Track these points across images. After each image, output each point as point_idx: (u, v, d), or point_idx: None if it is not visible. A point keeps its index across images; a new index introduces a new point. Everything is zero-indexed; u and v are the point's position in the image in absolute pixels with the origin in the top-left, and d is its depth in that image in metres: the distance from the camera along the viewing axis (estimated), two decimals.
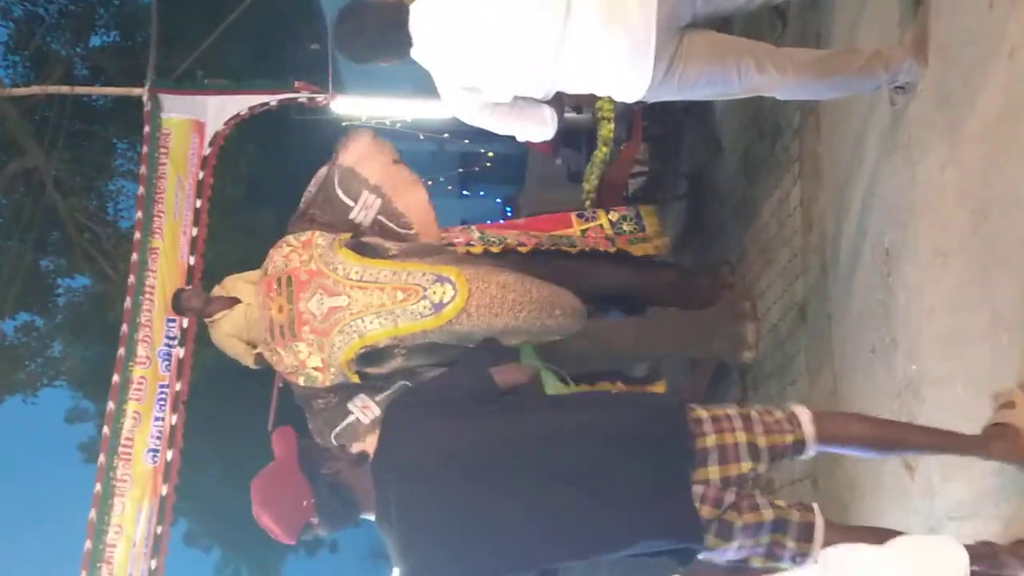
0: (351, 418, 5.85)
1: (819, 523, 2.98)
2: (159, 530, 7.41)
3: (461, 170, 26.06)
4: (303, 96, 8.30)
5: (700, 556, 2.99)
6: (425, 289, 5.46)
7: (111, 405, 7.42)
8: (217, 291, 6.63)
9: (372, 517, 3.08)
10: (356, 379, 5.69)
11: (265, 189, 15.55)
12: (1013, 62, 2.98)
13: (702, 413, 3.06)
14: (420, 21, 3.59)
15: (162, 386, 7.57)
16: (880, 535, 2.81)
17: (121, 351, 7.49)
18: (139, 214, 7.83)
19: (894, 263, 3.86)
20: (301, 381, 5.79)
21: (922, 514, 3.51)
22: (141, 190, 7.88)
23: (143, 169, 7.94)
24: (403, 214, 5.99)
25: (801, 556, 2.94)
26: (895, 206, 3.83)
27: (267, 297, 5.84)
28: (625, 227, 6.64)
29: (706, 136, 7.32)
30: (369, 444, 5.88)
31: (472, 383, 3.19)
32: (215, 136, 8.10)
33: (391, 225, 5.98)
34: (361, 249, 5.72)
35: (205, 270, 7.77)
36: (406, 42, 3.62)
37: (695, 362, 7.19)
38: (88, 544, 7.11)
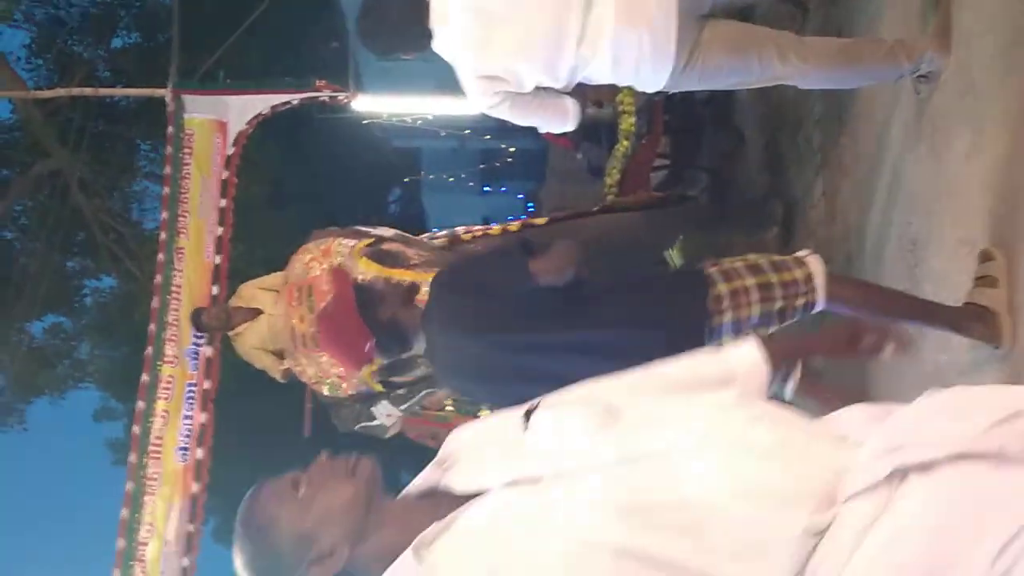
0: (376, 423, 5.90)
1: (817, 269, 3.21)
2: (191, 528, 7.46)
3: (482, 166, 26.03)
4: (325, 95, 8.32)
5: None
6: None
7: (140, 404, 7.48)
8: (235, 302, 6.63)
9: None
10: (380, 388, 5.72)
11: (289, 188, 15.60)
12: None
13: (722, 289, 3.15)
14: (440, 13, 3.58)
15: (190, 385, 7.62)
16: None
17: (149, 350, 7.55)
18: (164, 214, 7.89)
19: (920, 253, 3.85)
20: (326, 391, 5.83)
21: None
22: (166, 190, 7.94)
23: (167, 169, 7.99)
24: (419, 242, 5.94)
25: (810, 304, 3.19)
26: (920, 196, 3.82)
27: (289, 306, 5.84)
28: None
29: (727, 129, 7.31)
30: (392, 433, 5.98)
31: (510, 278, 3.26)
32: (238, 136, 8.13)
33: (411, 239, 5.96)
34: (381, 258, 5.66)
35: (231, 269, 7.80)
36: (427, 34, 3.62)
37: None
38: (121, 542, 7.17)
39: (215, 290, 7.78)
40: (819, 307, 3.23)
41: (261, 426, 19.11)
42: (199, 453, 7.54)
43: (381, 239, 5.88)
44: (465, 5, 3.55)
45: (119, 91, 10.68)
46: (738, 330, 3.16)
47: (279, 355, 6.31)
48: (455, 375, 3.42)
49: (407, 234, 5.97)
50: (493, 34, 3.54)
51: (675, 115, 7.16)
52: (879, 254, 4.39)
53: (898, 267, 4.08)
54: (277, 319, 6.17)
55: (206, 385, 7.68)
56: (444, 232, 6.19)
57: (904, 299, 3.52)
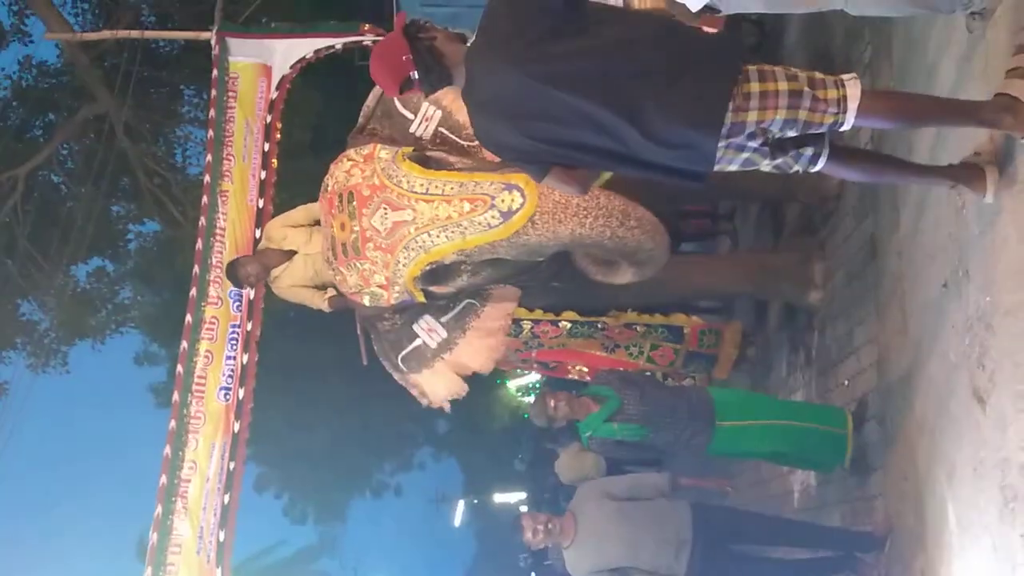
0: (417, 342, 5.79)
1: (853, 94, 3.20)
2: (232, 466, 7.55)
3: None
4: (368, 39, 8.29)
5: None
6: (493, 198, 5.24)
7: (184, 344, 7.55)
8: (266, 244, 6.60)
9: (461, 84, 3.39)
10: (422, 297, 5.60)
11: (331, 135, 15.61)
12: None
13: (753, 87, 3.13)
14: None
15: (233, 326, 7.68)
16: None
17: (193, 292, 7.62)
18: (208, 157, 7.94)
19: (967, 193, 3.80)
20: (366, 300, 5.69)
21: (992, 445, 3.49)
22: (210, 133, 7.98)
23: (212, 113, 8.02)
24: (465, 126, 5.70)
25: (838, 124, 3.19)
26: (970, 136, 3.76)
27: (328, 214, 5.70)
28: None
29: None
30: (438, 368, 5.89)
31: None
32: (282, 80, 8.14)
33: (453, 137, 5.77)
34: (425, 162, 5.52)
35: (273, 213, 7.81)
36: None
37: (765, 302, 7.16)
38: (163, 479, 7.27)
39: (258, 233, 7.82)
40: (847, 127, 3.25)
41: (300, 375, 19.32)
42: (241, 393, 7.62)
43: (423, 145, 5.76)
44: None
45: (165, 34, 10.73)
46: (757, 133, 3.17)
47: (320, 288, 6.29)
48: (488, 111, 3.39)
49: (451, 134, 5.79)
50: None
51: None
52: (926, 197, 4.35)
53: (945, 209, 4.04)
54: (314, 257, 6.12)
55: (249, 326, 7.74)
56: None
57: (934, 103, 3.55)
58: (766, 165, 3.29)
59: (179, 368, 7.60)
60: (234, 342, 7.67)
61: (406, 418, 28.58)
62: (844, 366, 5.76)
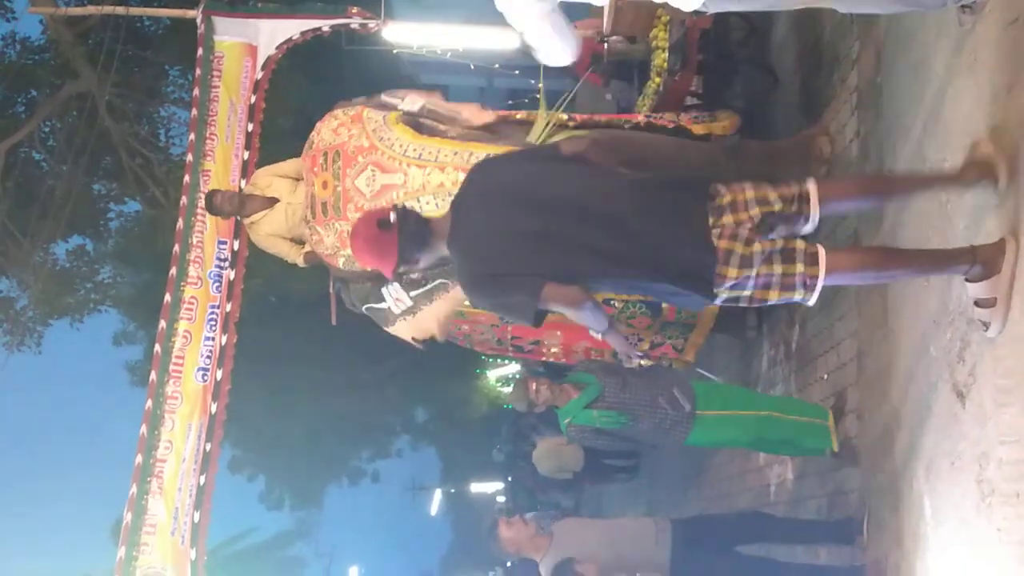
0: (383, 304, 5.72)
1: (822, 251, 3.31)
2: (208, 447, 7.53)
3: (510, 103, 25.84)
4: (355, 21, 8.25)
5: (721, 294, 3.34)
6: None
7: (162, 324, 7.51)
8: (250, 190, 6.56)
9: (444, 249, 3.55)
10: None
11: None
12: None
13: (724, 199, 3.41)
14: None
15: (212, 307, 7.65)
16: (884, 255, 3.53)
17: (173, 271, 7.58)
18: (191, 136, 7.89)
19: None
20: (341, 263, 5.63)
21: (971, 439, 3.49)
22: (194, 112, 7.92)
23: (196, 91, 7.97)
24: (450, 107, 5.69)
25: (811, 279, 3.28)
26: (959, 130, 3.76)
27: (311, 172, 5.63)
28: (693, 114, 6.47)
29: (762, 68, 7.21)
30: (399, 328, 5.82)
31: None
32: (267, 60, 8.11)
33: (440, 111, 5.68)
34: (418, 127, 5.45)
35: None
36: None
37: None
38: (139, 458, 7.24)
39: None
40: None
41: (277, 358, 19.26)
42: (219, 374, 7.59)
43: (411, 113, 5.72)
44: None
45: (151, 11, 10.59)
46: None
47: (298, 242, 6.21)
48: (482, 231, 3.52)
49: (436, 107, 5.70)
50: None
51: (709, 53, 7.06)
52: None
53: (929, 204, 4.04)
54: (295, 207, 6.04)
55: (228, 307, 7.71)
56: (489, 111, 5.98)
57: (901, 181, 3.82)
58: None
59: (156, 348, 7.56)
60: (213, 323, 7.64)
61: (385, 406, 28.58)
62: (824, 360, 5.77)
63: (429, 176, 5.25)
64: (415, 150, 5.34)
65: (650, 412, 5.19)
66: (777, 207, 3.40)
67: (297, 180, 6.18)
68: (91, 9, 9.92)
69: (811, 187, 3.43)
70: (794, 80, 6.69)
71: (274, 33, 8.12)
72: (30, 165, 15.31)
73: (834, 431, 5.19)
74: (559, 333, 6.38)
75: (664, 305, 6.44)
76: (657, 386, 5.31)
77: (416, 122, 5.52)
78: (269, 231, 6.30)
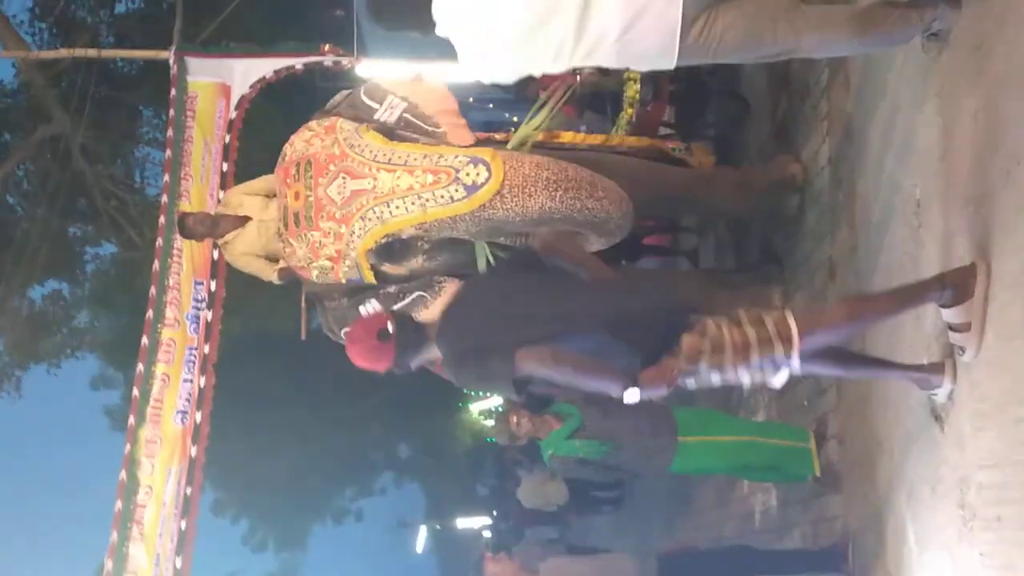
0: None
1: (794, 330, 3.25)
2: (189, 491, 7.46)
3: (485, 136, 25.86)
4: (328, 59, 8.25)
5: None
6: (458, 171, 5.07)
7: (140, 367, 7.47)
8: (221, 209, 6.50)
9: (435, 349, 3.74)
10: (371, 277, 5.42)
11: None
12: None
13: (705, 346, 3.30)
14: (442, 6, 3.52)
15: (190, 348, 7.61)
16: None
17: (150, 314, 7.54)
18: (166, 177, 7.87)
19: (925, 214, 3.83)
20: (314, 275, 5.52)
21: (951, 464, 3.49)
22: (168, 153, 7.91)
23: (170, 132, 7.96)
24: (430, 117, 5.55)
25: (785, 357, 3.27)
26: (927, 156, 3.79)
27: (283, 184, 5.54)
28: (669, 145, 6.44)
29: (733, 97, 7.26)
30: None
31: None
32: (241, 100, 8.10)
33: (418, 123, 5.57)
34: (390, 135, 5.39)
35: None
36: (430, 21, 3.55)
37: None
38: (119, 504, 7.17)
39: (216, 254, 7.75)
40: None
41: (258, 398, 19.16)
42: (198, 416, 7.53)
43: (387, 124, 5.70)
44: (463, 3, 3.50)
45: (123, 52, 10.61)
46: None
47: (272, 260, 6.16)
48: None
49: (416, 120, 5.60)
50: (492, 34, 3.51)
51: (681, 83, 7.11)
52: (883, 217, 4.38)
53: (902, 229, 4.06)
54: (268, 224, 5.98)
55: (206, 349, 7.66)
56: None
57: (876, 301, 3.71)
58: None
59: (135, 391, 7.50)
60: (191, 365, 7.59)
61: (367, 443, 28.44)
62: (804, 386, 5.76)
63: (399, 180, 5.15)
64: (384, 155, 5.25)
65: (632, 439, 5.18)
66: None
67: (269, 197, 6.10)
68: (63, 52, 9.92)
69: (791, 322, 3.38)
70: (765, 108, 6.74)
71: (247, 72, 8.11)
72: (4, 209, 15.25)
73: (816, 455, 5.18)
74: None
75: None
76: (638, 413, 5.28)
77: (388, 129, 5.48)
78: (243, 250, 6.25)
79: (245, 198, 6.30)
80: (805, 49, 3.64)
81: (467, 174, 5.05)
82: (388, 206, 5.16)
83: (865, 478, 4.54)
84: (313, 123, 5.67)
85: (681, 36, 3.39)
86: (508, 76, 3.76)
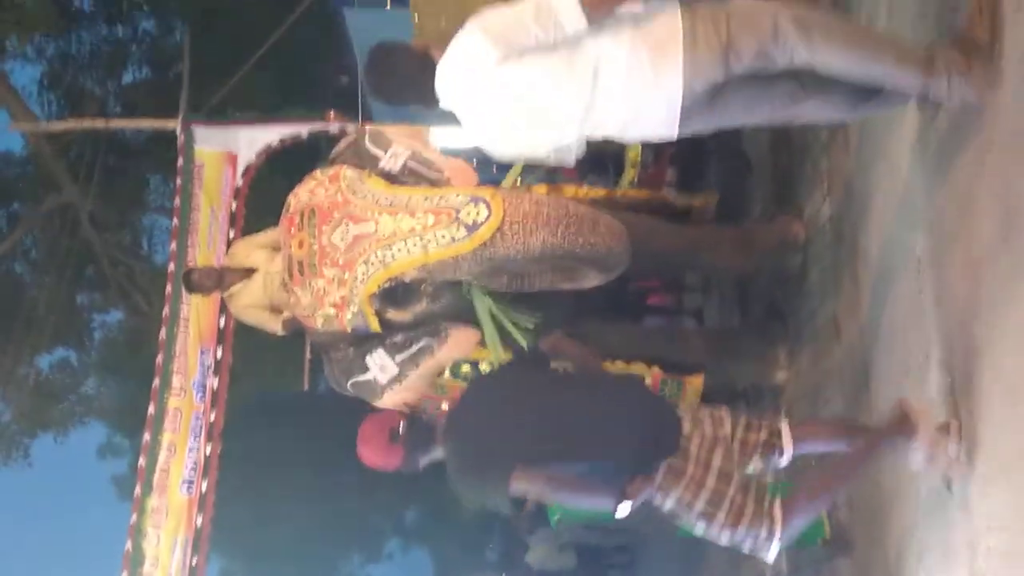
0: (369, 375, 5.59)
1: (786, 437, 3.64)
2: (194, 561, 7.43)
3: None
4: (334, 126, 8.34)
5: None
6: (458, 211, 5.10)
7: (146, 436, 7.47)
8: (228, 261, 6.52)
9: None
10: (376, 324, 5.39)
11: None
12: None
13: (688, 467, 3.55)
14: (446, 84, 3.56)
15: (197, 416, 7.62)
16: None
17: (156, 382, 7.56)
18: (173, 245, 7.92)
19: (926, 275, 3.83)
20: (319, 323, 5.50)
21: (960, 527, 3.46)
22: (175, 221, 7.97)
23: (177, 201, 8.03)
24: (434, 163, 5.62)
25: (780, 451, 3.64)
26: (926, 217, 3.80)
27: (287, 234, 5.57)
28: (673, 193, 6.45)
29: (735, 155, 7.30)
30: (387, 401, 5.62)
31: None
32: (247, 167, 8.17)
33: (422, 170, 5.62)
34: (392, 179, 5.44)
35: None
36: (433, 96, 3.60)
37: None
38: (124, 575, 7.12)
39: (222, 322, 7.79)
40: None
41: (265, 465, 19.06)
42: (204, 485, 7.51)
43: (391, 172, 5.64)
44: (467, 85, 3.50)
45: (131, 122, 10.72)
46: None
47: (277, 311, 6.16)
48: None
49: (420, 166, 5.63)
50: (496, 116, 3.56)
51: (681, 143, 7.14)
52: (886, 276, 4.38)
53: (904, 288, 4.06)
54: (273, 276, 5.99)
55: (212, 416, 7.66)
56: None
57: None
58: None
59: (141, 461, 7.50)
60: (197, 433, 7.60)
61: (374, 508, 28.22)
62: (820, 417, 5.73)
63: (400, 223, 5.18)
64: (386, 199, 5.30)
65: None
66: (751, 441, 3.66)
67: (275, 250, 6.14)
68: (71, 124, 10.04)
69: (784, 426, 3.68)
70: (767, 166, 6.78)
71: (253, 140, 8.19)
72: (12, 278, 15.34)
73: (826, 517, 5.13)
74: None
75: (647, 381, 6.24)
76: None
77: (391, 176, 5.51)
78: (248, 302, 6.26)
79: (252, 250, 6.34)
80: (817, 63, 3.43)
81: (467, 213, 5.07)
82: (390, 249, 5.16)
83: (875, 541, 4.49)
84: (317, 173, 5.72)
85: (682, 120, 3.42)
86: (509, 156, 3.82)
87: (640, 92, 3.34)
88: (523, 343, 5.41)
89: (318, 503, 23.75)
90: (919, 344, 3.90)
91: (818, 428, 3.97)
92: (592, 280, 5.41)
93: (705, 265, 6.52)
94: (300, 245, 5.47)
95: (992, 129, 3.27)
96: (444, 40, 3.56)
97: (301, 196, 5.62)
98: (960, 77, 3.25)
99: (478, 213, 5.05)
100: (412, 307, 5.38)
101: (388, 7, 7.85)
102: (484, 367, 5.72)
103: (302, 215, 5.51)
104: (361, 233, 5.26)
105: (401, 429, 3.78)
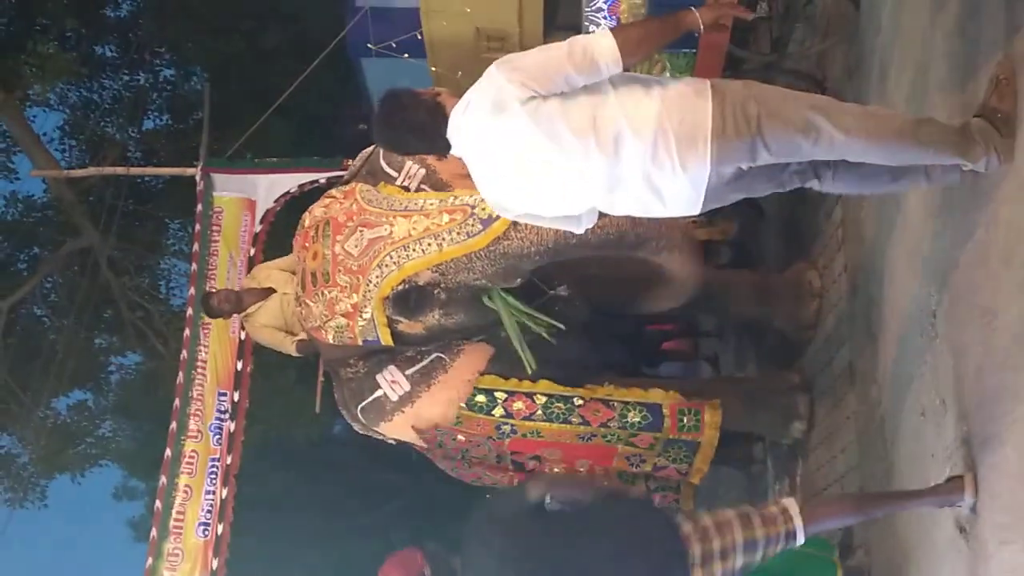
0: (379, 393, 5.56)
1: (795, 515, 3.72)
2: None
3: None
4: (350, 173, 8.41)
5: None
6: (473, 207, 5.08)
7: (163, 480, 7.50)
8: (247, 282, 6.57)
9: None
10: (387, 335, 5.32)
11: None
12: None
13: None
14: (458, 134, 3.44)
15: (213, 460, 7.64)
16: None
17: (173, 425, 7.60)
18: (191, 290, 7.99)
19: (941, 324, 3.86)
20: (330, 336, 5.46)
21: None
22: (193, 267, 8.05)
23: (196, 247, 8.10)
24: (448, 184, 5.57)
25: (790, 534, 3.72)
26: (940, 267, 3.84)
27: (302, 248, 5.58)
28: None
29: (748, 203, 7.33)
30: (397, 423, 5.61)
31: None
32: (266, 213, 8.24)
33: (435, 191, 5.60)
34: (406, 188, 5.46)
35: (256, 345, 7.80)
36: (445, 145, 3.50)
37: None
38: None
39: (239, 366, 7.84)
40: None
41: (280, 507, 19.03)
42: (220, 528, 7.53)
43: (407, 189, 5.65)
44: (483, 142, 3.40)
45: (150, 170, 10.87)
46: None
47: (291, 333, 6.17)
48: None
49: (433, 188, 5.59)
50: (513, 181, 3.47)
51: None
52: (901, 326, 4.41)
53: (919, 338, 4.08)
54: (290, 298, 5.99)
55: (228, 460, 7.69)
56: None
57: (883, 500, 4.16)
58: None
59: (157, 504, 7.52)
60: (213, 476, 7.62)
61: (388, 550, 28.04)
62: (828, 494, 5.72)
63: (415, 224, 5.17)
64: (401, 203, 5.31)
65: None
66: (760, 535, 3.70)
67: (294, 273, 6.16)
68: (92, 171, 10.16)
69: (790, 505, 3.75)
70: (780, 215, 6.82)
71: (272, 187, 8.27)
72: (32, 321, 15.45)
73: (839, 566, 5.08)
74: (559, 451, 6.16)
75: (664, 411, 6.16)
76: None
77: (404, 187, 5.56)
78: (264, 322, 6.29)
79: (273, 272, 6.42)
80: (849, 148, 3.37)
81: (483, 208, 5.05)
82: (406, 249, 5.15)
83: None
84: (333, 190, 5.77)
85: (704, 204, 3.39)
86: (515, 214, 3.76)
87: (664, 173, 3.24)
88: (547, 336, 5.41)
89: (332, 544, 23.66)
90: (935, 392, 3.92)
91: (832, 508, 4.15)
92: (667, 291, 5.63)
93: (719, 308, 6.55)
94: (314, 257, 5.47)
95: (1006, 182, 3.31)
96: (458, 93, 3.53)
97: (316, 212, 5.65)
98: (995, 149, 3.24)
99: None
100: (424, 317, 5.31)
101: (406, 57, 7.92)
102: (499, 395, 5.74)
103: (316, 228, 5.52)
104: (375, 237, 5.24)
105: (427, 573, 3.91)
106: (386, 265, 5.18)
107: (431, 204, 5.24)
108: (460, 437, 5.89)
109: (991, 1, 3.49)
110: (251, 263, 8.12)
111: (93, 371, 16.21)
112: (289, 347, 6.26)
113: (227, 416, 7.74)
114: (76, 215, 13.78)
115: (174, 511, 7.48)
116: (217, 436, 7.69)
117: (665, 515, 3.89)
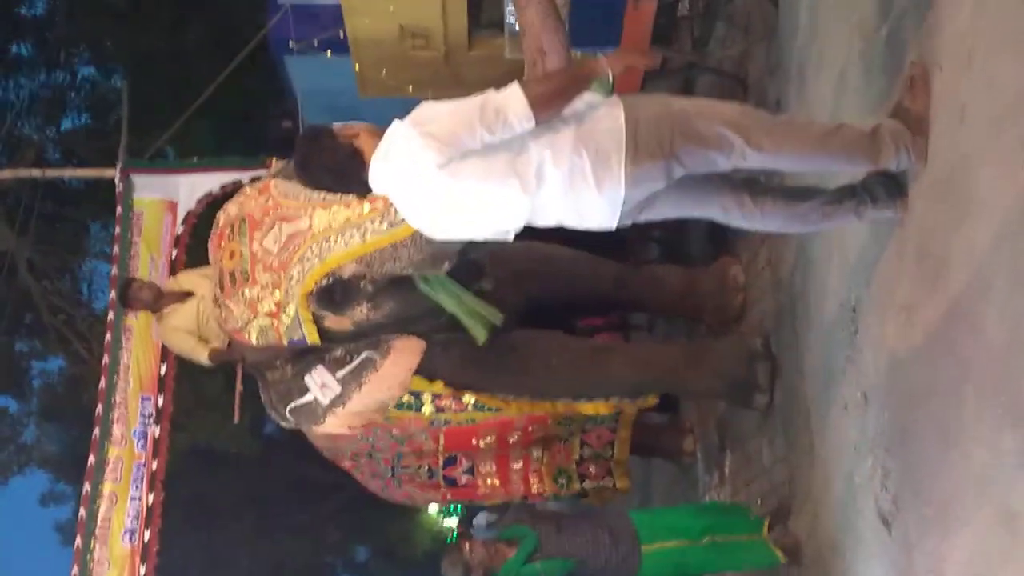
0: (309, 396, 5.28)
1: None
2: None
3: None
4: (273, 172, 8.31)
5: None
6: None
7: (87, 487, 7.39)
8: (170, 285, 6.48)
9: None
10: (314, 333, 5.07)
11: None
12: (963, 123, 3.07)
13: None
14: (380, 180, 3.49)
15: (138, 465, 7.55)
16: None
17: (96, 431, 7.48)
18: (112, 293, 7.85)
19: (861, 320, 3.92)
20: (254, 336, 5.21)
21: (900, 568, 3.52)
22: (114, 270, 7.91)
23: (116, 249, 7.97)
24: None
25: None
26: (859, 264, 3.90)
27: (218, 249, 5.35)
28: None
29: None
30: (330, 426, 5.36)
31: None
32: (187, 215, 8.12)
33: None
34: None
35: None
36: (363, 188, 3.55)
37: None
38: None
39: (163, 369, 7.72)
40: None
41: (207, 512, 18.82)
42: (147, 535, 7.43)
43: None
44: (403, 187, 3.48)
45: (68, 171, 10.62)
46: None
47: (204, 340, 6.06)
48: None
49: None
50: (434, 215, 3.56)
51: None
52: (822, 321, 4.47)
53: (840, 333, 4.14)
54: (207, 302, 5.86)
55: (154, 465, 7.58)
56: None
57: None
58: None
59: (81, 512, 7.39)
60: (139, 482, 7.51)
61: (324, 549, 27.89)
62: (758, 486, 5.78)
63: (335, 215, 4.93)
64: (319, 195, 5.02)
65: (594, 551, 5.03)
66: None
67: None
68: (7, 173, 9.89)
69: None
70: None
71: (193, 188, 8.14)
72: None
73: (772, 542, 5.05)
74: (494, 432, 6.04)
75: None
76: (594, 522, 5.17)
77: None
78: (176, 323, 6.15)
79: (194, 276, 6.32)
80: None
81: None
82: (327, 242, 4.92)
83: None
84: (247, 187, 5.59)
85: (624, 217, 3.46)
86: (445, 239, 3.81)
87: (582, 198, 3.35)
88: (496, 320, 5.26)
89: (266, 545, 23.45)
90: (856, 385, 3.97)
91: None
92: None
93: (648, 304, 6.58)
94: (231, 256, 5.25)
95: (919, 181, 3.37)
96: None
97: (230, 210, 5.42)
98: (906, 148, 3.34)
99: None
100: (351, 311, 5.10)
101: (329, 55, 7.85)
102: (426, 397, 5.61)
103: (232, 227, 5.30)
104: (295, 231, 5.03)
105: None
106: (307, 259, 4.94)
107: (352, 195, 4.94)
108: (395, 431, 5.80)
109: (904, 2, 3.56)
110: (173, 265, 8.00)
111: (15, 377, 15.88)
112: (201, 354, 6.13)
113: (151, 420, 7.62)
114: None
115: (99, 518, 7.38)
116: (142, 441, 7.59)
117: None
